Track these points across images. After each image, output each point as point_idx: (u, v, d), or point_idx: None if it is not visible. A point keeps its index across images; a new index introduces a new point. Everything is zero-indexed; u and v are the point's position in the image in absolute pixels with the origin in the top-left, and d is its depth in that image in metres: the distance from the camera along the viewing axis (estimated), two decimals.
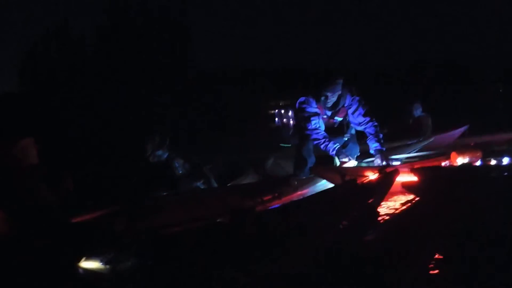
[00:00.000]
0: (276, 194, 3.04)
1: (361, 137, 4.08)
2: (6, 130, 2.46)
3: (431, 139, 5.50)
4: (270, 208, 2.86)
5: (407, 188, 2.89)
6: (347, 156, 3.79)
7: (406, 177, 3.01)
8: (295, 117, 4.28)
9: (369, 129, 3.82)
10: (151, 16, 11.44)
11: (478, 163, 3.63)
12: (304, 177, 3.84)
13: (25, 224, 2.15)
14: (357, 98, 3.86)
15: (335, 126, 4.05)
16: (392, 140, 5.21)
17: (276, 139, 6.52)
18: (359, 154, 4.04)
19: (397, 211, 2.69)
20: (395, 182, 2.85)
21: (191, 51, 11.85)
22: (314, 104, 3.89)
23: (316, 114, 3.89)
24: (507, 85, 13.03)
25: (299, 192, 3.34)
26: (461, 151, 3.66)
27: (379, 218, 2.42)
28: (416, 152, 4.64)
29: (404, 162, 3.78)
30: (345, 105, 3.88)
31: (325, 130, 3.92)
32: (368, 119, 3.83)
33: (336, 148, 3.80)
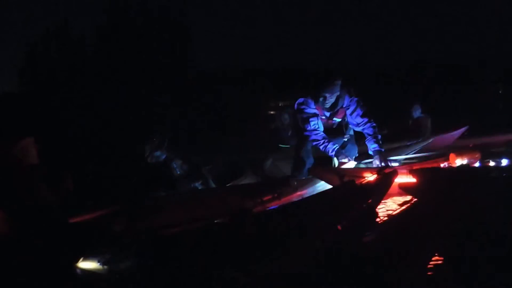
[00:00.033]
0: (276, 195, 3.04)
1: (360, 138, 4.08)
2: (6, 130, 2.46)
3: (430, 140, 5.50)
4: (269, 208, 2.87)
5: (404, 189, 2.89)
6: (346, 156, 3.79)
7: (404, 178, 3.01)
8: (294, 118, 4.29)
9: (368, 130, 3.82)
10: (151, 16, 11.43)
11: (476, 164, 3.63)
12: (304, 178, 3.84)
13: (25, 224, 2.15)
14: (356, 99, 3.86)
15: (334, 127, 4.05)
16: (392, 141, 5.22)
17: (275, 140, 6.53)
18: (357, 155, 4.04)
19: (396, 212, 2.69)
20: (393, 183, 2.86)
21: (191, 51, 11.86)
22: (312, 105, 3.89)
23: (315, 115, 3.89)
24: (507, 85, 13.02)
25: (299, 193, 3.35)
26: (460, 153, 3.66)
27: (378, 219, 2.42)
28: (415, 153, 4.64)
29: (403, 163, 3.78)
30: (344, 106, 3.89)
31: (324, 131, 3.93)
32: (366, 120, 3.83)
33: (335, 149, 3.81)
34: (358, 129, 3.94)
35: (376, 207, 2.52)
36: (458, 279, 1.75)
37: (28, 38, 11.06)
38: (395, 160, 3.85)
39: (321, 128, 3.92)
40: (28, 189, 2.27)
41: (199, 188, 4.15)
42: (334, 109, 3.89)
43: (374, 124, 3.83)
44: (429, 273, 1.77)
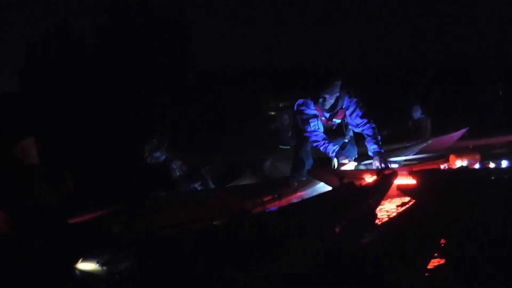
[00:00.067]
0: (276, 195, 3.04)
1: (359, 139, 4.08)
2: (7, 130, 2.46)
3: (429, 141, 5.50)
4: (268, 210, 2.87)
5: (403, 191, 2.88)
6: (346, 157, 3.79)
7: (404, 179, 3.00)
8: (294, 119, 4.28)
9: (367, 131, 3.81)
10: (151, 16, 11.43)
11: (476, 165, 3.63)
12: (304, 179, 3.84)
13: (25, 224, 2.15)
14: (355, 99, 3.86)
15: (334, 128, 4.05)
16: (392, 142, 5.21)
17: (275, 141, 6.53)
18: (357, 156, 4.03)
19: (396, 213, 2.69)
20: (393, 185, 2.86)
21: (191, 51, 11.85)
22: (312, 106, 3.89)
23: (315, 116, 3.89)
24: (507, 85, 13.02)
25: (299, 194, 3.35)
26: (460, 154, 3.65)
27: (378, 220, 2.41)
28: (415, 154, 4.64)
29: (403, 164, 3.77)
30: (343, 107, 3.88)
31: (323, 132, 3.92)
32: (365, 120, 3.82)
33: (336, 150, 3.80)
34: (357, 130, 3.93)
35: (375, 209, 2.52)
36: (458, 279, 1.75)
37: (28, 38, 11.05)
38: (394, 162, 3.84)
39: (321, 129, 3.91)
40: (28, 189, 2.27)
41: (199, 189, 4.15)
42: (333, 110, 3.89)
43: (374, 125, 3.82)
44: (429, 273, 1.77)
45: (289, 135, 6.25)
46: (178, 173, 4.18)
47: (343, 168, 3.71)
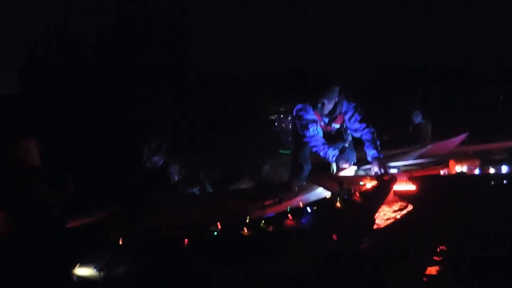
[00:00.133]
0: (277, 199, 3.04)
1: (358, 144, 4.06)
2: (8, 131, 2.46)
3: (428, 147, 5.49)
4: (267, 216, 2.85)
5: (400, 196, 2.87)
6: (346, 162, 3.78)
7: (403, 185, 2.99)
8: (293, 124, 4.28)
9: (366, 136, 3.79)
10: (151, 16, 11.43)
11: (476, 171, 3.62)
12: (303, 183, 3.83)
13: (24, 224, 2.15)
14: (353, 104, 3.85)
15: (333, 133, 4.04)
16: (392, 147, 5.22)
17: (275, 145, 6.53)
18: (355, 161, 4.02)
19: (394, 217, 2.68)
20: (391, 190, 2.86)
21: (191, 51, 11.84)
22: (311, 111, 3.88)
23: (314, 121, 3.88)
24: (507, 85, 13.01)
25: (299, 198, 3.33)
26: (459, 159, 3.64)
27: (376, 226, 2.41)
28: (415, 159, 4.62)
29: (402, 170, 3.75)
30: (342, 112, 3.87)
31: (323, 137, 3.92)
32: (364, 125, 3.81)
33: (335, 155, 3.80)
34: (356, 135, 3.92)
35: (374, 214, 2.51)
36: (458, 279, 1.75)
37: (28, 38, 11.05)
38: (394, 167, 3.82)
39: (320, 134, 3.91)
40: (29, 189, 2.27)
41: (197, 193, 4.15)
42: (332, 115, 3.88)
43: (373, 130, 3.80)
44: (429, 273, 1.77)
45: (289, 139, 6.25)
46: (176, 178, 4.18)
47: (342, 173, 3.70)
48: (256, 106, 11.70)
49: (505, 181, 2.97)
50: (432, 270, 1.79)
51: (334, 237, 1.98)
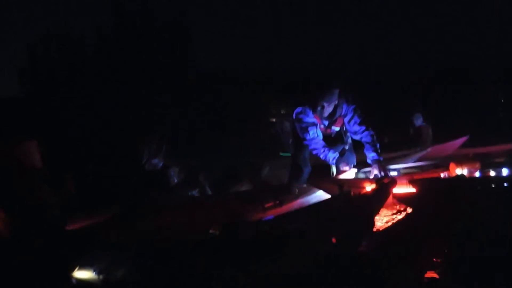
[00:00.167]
0: (278, 202, 3.04)
1: (359, 147, 4.06)
2: (9, 132, 2.47)
3: (428, 149, 5.48)
4: (266, 219, 2.85)
5: (399, 199, 2.86)
6: (347, 164, 3.77)
7: (403, 188, 2.98)
8: (293, 127, 4.28)
9: (366, 138, 3.78)
10: (151, 16, 11.43)
11: (477, 174, 3.61)
12: (304, 186, 3.82)
13: (25, 224, 2.16)
14: (353, 106, 3.84)
15: (333, 136, 4.04)
16: (392, 149, 5.21)
17: (275, 147, 6.53)
18: (355, 163, 4.02)
19: (394, 220, 2.68)
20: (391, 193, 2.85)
21: (191, 51, 11.84)
22: (311, 114, 3.87)
23: (314, 124, 3.87)
24: (508, 86, 13.01)
25: (300, 200, 3.32)
26: (460, 162, 3.63)
27: (375, 229, 2.41)
28: (415, 162, 4.61)
29: (402, 173, 3.73)
30: (342, 114, 3.87)
31: (323, 140, 3.91)
32: (364, 128, 3.80)
33: (336, 157, 3.79)
34: (356, 137, 3.91)
35: (374, 217, 2.51)
36: (458, 279, 1.75)
37: (28, 38, 11.05)
38: (394, 169, 3.82)
39: (320, 137, 3.90)
40: (29, 190, 2.28)
41: (196, 195, 4.15)
42: (332, 118, 3.88)
43: (372, 132, 3.79)
44: (429, 273, 1.77)
45: (290, 142, 6.25)
46: (176, 180, 4.18)
47: (342, 175, 3.70)
48: (256, 106, 11.69)
49: (505, 184, 2.97)
50: (432, 270, 1.79)
51: (334, 240, 1.98)
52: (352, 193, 2.94)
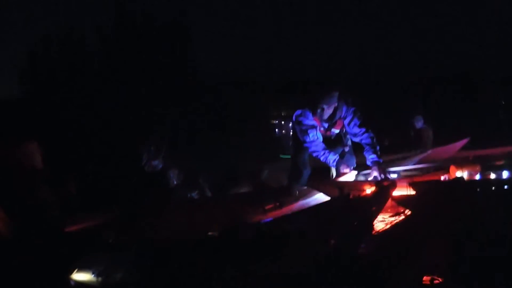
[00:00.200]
0: (278, 204, 3.03)
1: (358, 149, 4.05)
2: (10, 133, 2.48)
3: (428, 152, 5.47)
4: (264, 221, 2.85)
5: (397, 202, 2.86)
6: (348, 166, 3.77)
7: (403, 191, 2.97)
8: (293, 129, 4.27)
9: (366, 140, 3.78)
10: (151, 16, 11.43)
11: (477, 176, 3.60)
12: (304, 188, 3.82)
13: (25, 224, 2.16)
14: (352, 109, 3.84)
15: (332, 138, 4.04)
16: (393, 152, 5.20)
17: (275, 149, 6.53)
18: (355, 165, 4.01)
19: (394, 219, 2.68)
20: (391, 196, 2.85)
21: (191, 51, 11.85)
22: (310, 117, 3.87)
23: (313, 126, 3.87)
24: (508, 86, 13.01)
25: (300, 202, 3.32)
26: (460, 165, 3.63)
27: (375, 231, 2.41)
28: (415, 164, 4.60)
29: (402, 175, 3.73)
30: (341, 117, 3.87)
31: (322, 142, 3.91)
32: (364, 130, 3.80)
33: (336, 159, 3.79)
34: (356, 139, 3.91)
35: (373, 220, 2.51)
36: (458, 279, 1.75)
37: (28, 38, 11.06)
38: (394, 172, 3.81)
39: (320, 139, 3.90)
40: (29, 190, 2.28)
41: (195, 197, 4.14)
42: (332, 120, 3.88)
43: (372, 135, 3.79)
44: (429, 273, 1.77)
45: (290, 144, 6.24)
46: (175, 182, 4.18)
47: (342, 178, 3.69)
48: (257, 106, 11.69)
49: (505, 187, 2.97)
50: (432, 270, 1.79)
51: (333, 242, 1.98)
52: (351, 195, 2.94)
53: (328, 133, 4.00)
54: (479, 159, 4.49)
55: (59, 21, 11.09)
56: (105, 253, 2.02)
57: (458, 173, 3.47)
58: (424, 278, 1.73)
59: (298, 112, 3.93)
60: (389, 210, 2.77)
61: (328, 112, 3.79)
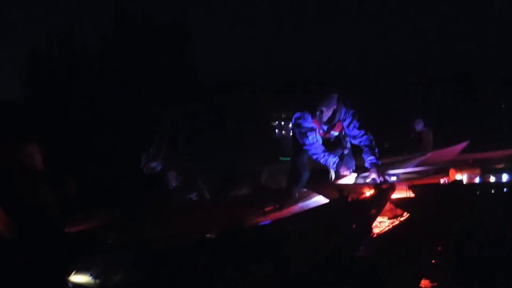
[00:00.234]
0: (277, 206, 3.03)
1: (357, 151, 4.05)
2: (11, 134, 2.48)
3: (428, 154, 5.47)
4: (263, 224, 2.85)
5: (396, 204, 2.85)
6: (348, 169, 3.77)
7: (402, 194, 2.97)
8: (292, 132, 4.27)
9: (365, 142, 3.76)
10: (151, 16, 11.44)
11: (477, 179, 3.60)
12: (304, 190, 3.82)
13: (25, 224, 2.16)
14: (352, 111, 3.84)
15: (332, 140, 4.04)
16: (392, 154, 5.19)
17: (275, 151, 6.52)
18: (354, 168, 4.01)
19: (394, 221, 2.68)
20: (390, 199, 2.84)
21: (191, 51, 11.85)
22: (309, 119, 3.87)
23: (313, 129, 3.87)
24: (508, 86, 13.00)
25: (300, 204, 3.31)
26: (460, 168, 3.62)
27: (374, 233, 2.40)
28: (414, 167, 4.59)
29: (402, 178, 3.72)
30: (340, 119, 3.87)
31: (322, 144, 3.91)
32: (363, 132, 3.79)
33: (336, 162, 3.79)
34: (355, 141, 3.91)
35: (372, 222, 2.51)
36: (458, 279, 1.75)
37: (29, 39, 11.07)
38: (393, 175, 3.81)
39: (320, 142, 3.90)
40: (29, 190, 2.28)
41: (194, 199, 4.13)
42: (331, 123, 3.88)
43: (371, 137, 3.78)
44: (429, 273, 1.77)
45: (290, 145, 6.23)
46: (174, 184, 4.17)
47: (342, 180, 3.69)
48: (256, 107, 11.69)
49: (505, 189, 2.97)
50: (432, 270, 1.79)
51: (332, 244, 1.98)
52: (350, 198, 2.94)
53: (327, 135, 4.00)
54: (478, 162, 4.49)
55: (59, 21, 11.09)
56: (105, 253, 2.02)
57: (458, 176, 3.46)
58: (422, 282, 1.73)
59: (297, 114, 3.93)
60: (388, 213, 2.77)
61: (327, 114, 3.79)
